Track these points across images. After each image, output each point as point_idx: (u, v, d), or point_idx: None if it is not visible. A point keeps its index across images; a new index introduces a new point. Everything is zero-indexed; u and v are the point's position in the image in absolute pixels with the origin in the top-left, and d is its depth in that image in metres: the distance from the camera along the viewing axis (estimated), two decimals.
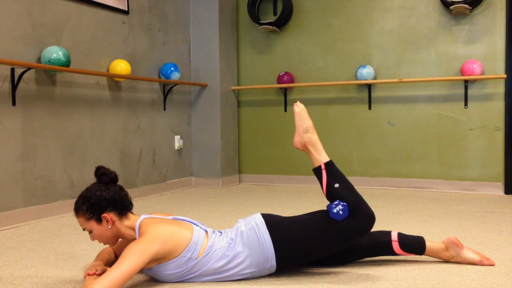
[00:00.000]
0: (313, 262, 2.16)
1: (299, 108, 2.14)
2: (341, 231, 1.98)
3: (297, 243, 1.99)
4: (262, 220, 2.02)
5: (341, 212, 1.96)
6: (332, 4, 4.94)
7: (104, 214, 1.96)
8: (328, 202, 2.07)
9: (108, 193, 1.97)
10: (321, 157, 2.09)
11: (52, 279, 2.11)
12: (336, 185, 2.03)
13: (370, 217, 2.01)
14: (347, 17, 4.88)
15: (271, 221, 2.03)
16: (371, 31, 4.80)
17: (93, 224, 1.97)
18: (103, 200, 1.96)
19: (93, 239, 2.02)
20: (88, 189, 2.01)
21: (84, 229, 2.00)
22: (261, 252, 1.97)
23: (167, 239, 1.87)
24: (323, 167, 2.07)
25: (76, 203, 1.99)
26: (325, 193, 2.06)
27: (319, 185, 2.07)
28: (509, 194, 4.30)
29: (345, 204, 1.97)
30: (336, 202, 1.98)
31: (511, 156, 4.31)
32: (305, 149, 2.14)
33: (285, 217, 2.10)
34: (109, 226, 1.97)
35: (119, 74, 3.94)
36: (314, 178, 4.95)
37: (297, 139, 2.14)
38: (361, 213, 1.99)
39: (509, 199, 4.09)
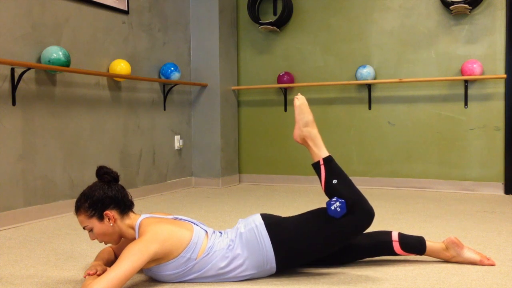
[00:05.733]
0: (314, 262, 2.15)
1: (299, 101, 2.09)
2: (339, 229, 1.96)
3: (296, 243, 1.98)
4: (262, 221, 2.01)
5: (338, 209, 1.93)
6: (332, 4, 4.94)
7: (107, 212, 1.95)
8: (327, 199, 2.06)
9: (111, 191, 1.98)
10: (321, 152, 2.06)
11: (52, 279, 2.11)
12: (335, 181, 2.00)
13: (369, 214, 1.98)
14: (347, 17, 4.88)
15: (270, 222, 2.02)
16: (371, 31, 4.80)
17: (94, 222, 1.97)
18: (105, 197, 1.96)
19: (93, 238, 2.01)
20: (90, 187, 2.01)
21: (84, 228, 2.00)
22: (260, 254, 1.97)
23: (166, 239, 1.87)
24: (321, 162, 2.04)
25: (78, 201, 1.99)
26: (323, 189, 2.03)
27: (319, 185, 2.05)
28: (509, 194, 4.30)
29: (342, 201, 1.94)
30: (334, 199, 1.95)
31: (511, 156, 4.31)
32: (304, 143, 2.11)
33: (284, 218, 2.09)
34: (111, 224, 1.97)
35: (119, 74, 3.94)
36: (314, 178, 4.99)
37: (297, 133, 2.11)
38: (359, 210, 1.96)
39: (509, 199, 4.09)
